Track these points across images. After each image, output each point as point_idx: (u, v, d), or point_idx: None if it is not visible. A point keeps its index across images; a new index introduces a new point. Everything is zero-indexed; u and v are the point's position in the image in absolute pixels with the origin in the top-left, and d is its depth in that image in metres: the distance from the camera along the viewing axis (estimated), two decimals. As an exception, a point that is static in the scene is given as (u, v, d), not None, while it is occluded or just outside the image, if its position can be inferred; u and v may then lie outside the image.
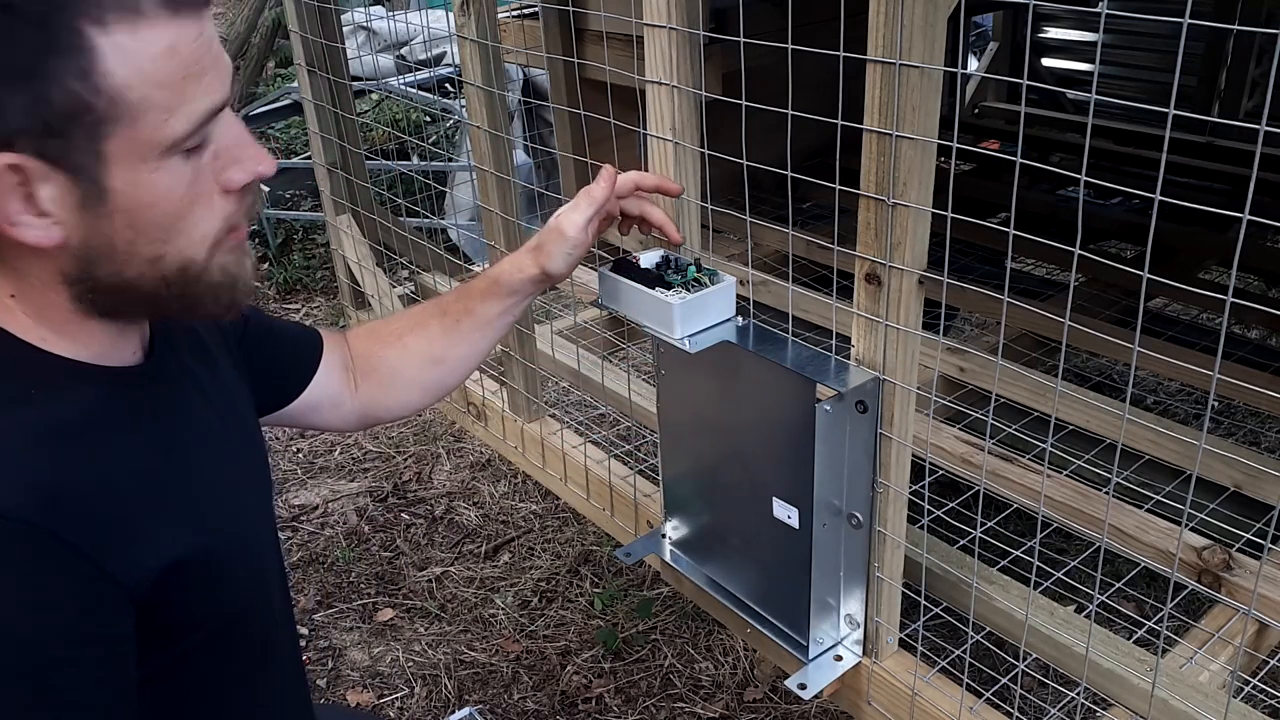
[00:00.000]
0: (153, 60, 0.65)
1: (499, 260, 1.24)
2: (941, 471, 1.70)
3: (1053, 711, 1.73)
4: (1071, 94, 4.11)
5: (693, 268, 1.31)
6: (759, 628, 1.41)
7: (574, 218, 1.17)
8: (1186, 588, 1.45)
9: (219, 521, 0.85)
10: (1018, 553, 1.43)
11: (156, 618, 0.77)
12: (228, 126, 0.73)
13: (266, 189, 4.79)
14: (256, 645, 0.94)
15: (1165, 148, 0.97)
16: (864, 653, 1.35)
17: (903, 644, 1.37)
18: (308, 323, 4.31)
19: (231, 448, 0.94)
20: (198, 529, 0.81)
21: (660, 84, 1.35)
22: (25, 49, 0.62)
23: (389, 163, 4.07)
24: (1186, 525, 1.40)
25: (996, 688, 1.36)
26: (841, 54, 1.06)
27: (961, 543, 1.43)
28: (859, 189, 1.10)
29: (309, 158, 3.91)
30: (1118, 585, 1.54)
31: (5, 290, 0.75)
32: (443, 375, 1.21)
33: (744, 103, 1.19)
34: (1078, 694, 1.37)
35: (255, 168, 0.75)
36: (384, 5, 6.81)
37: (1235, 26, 0.95)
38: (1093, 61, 4.21)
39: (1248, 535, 1.50)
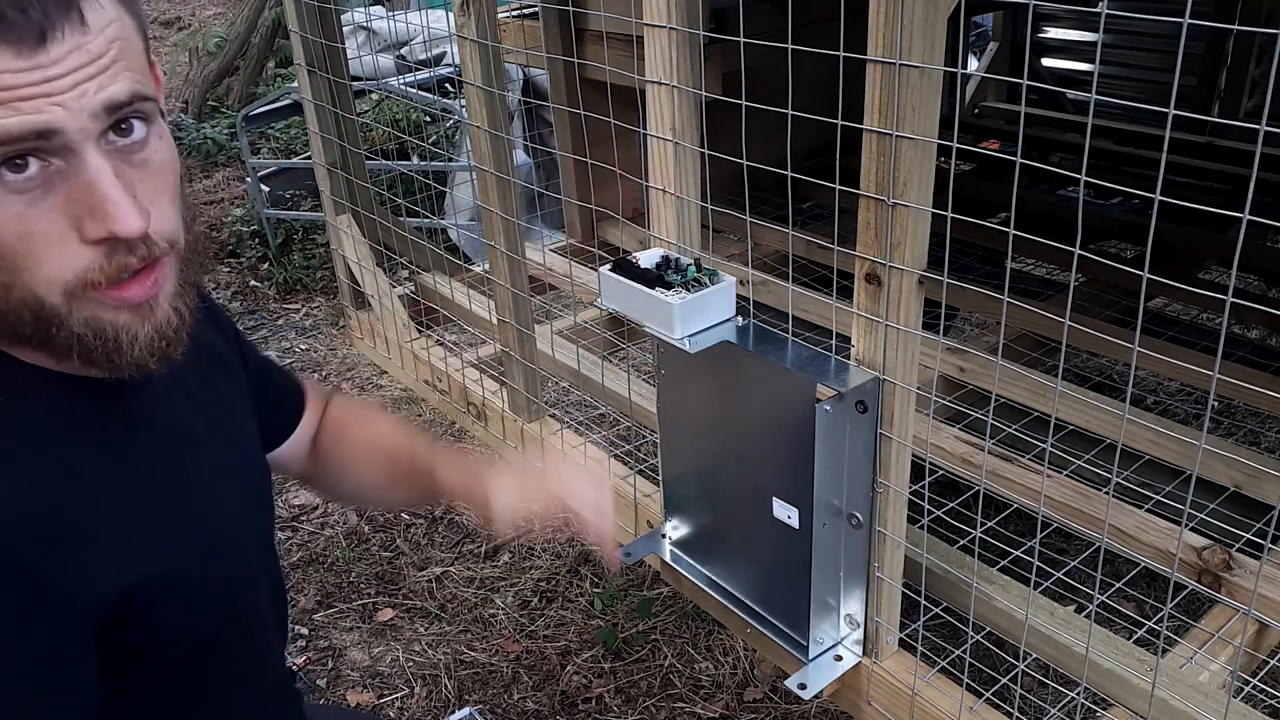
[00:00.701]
0: None
1: (463, 466, 1.11)
2: (941, 471, 1.70)
3: (1053, 711, 1.73)
4: (1071, 94, 4.11)
5: (693, 268, 1.31)
6: (759, 628, 1.41)
7: (503, 507, 1.05)
8: (1186, 588, 1.46)
9: (199, 535, 0.83)
10: (1018, 553, 1.43)
11: (128, 631, 0.76)
12: (94, 173, 0.67)
13: (266, 189, 4.79)
14: (244, 655, 0.93)
15: (1165, 148, 0.97)
16: (864, 653, 1.35)
17: (903, 644, 1.37)
18: (307, 323, 4.33)
19: (227, 455, 0.92)
20: (171, 544, 0.80)
21: (660, 84, 1.35)
22: None
23: (389, 163, 4.07)
24: (1186, 525, 1.40)
25: (996, 688, 1.36)
26: (841, 54, 1.06)
27: (961, 543, 1.43)
28: (859, 189, 1.10)
29: (309, 158, 3.91)
30: (1118, 585, 1.54)
31: None
32: (372, 500, 1.22)
33: (744, 103, 1.19)
34: (1078, 694, 1.37)
35: (109, 225, 0.67)
36: (384, 5, 6.81)
37: (1235, 26, 0.95)
38: (1093, 61, 4.21)
39: (1248, 535, 1.50)
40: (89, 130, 0.66)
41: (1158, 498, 1.61)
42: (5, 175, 0.65)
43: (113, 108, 0.67)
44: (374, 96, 5.24)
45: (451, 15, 1.70)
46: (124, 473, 0.79)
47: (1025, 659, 1.30)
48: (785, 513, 1.29)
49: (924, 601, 1.31)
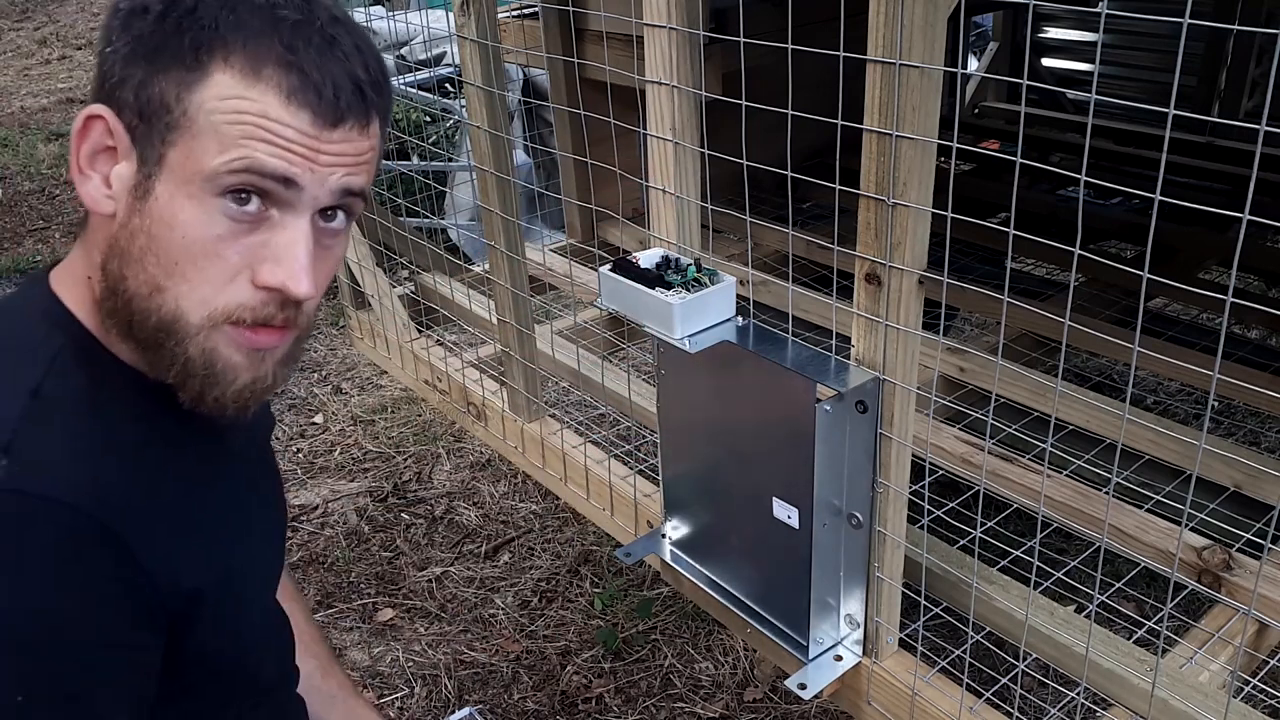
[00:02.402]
0: (239, 110, 0.71)
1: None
2: (941, 471, 1.70)
3: (1053, 711, 1.73)
4: (1071, 94, 4.11)
5: (693, 268, 1.31)
6: (759, 628, 1.41)
7: None
8: (1186, 588, 1.46)
9: (244, 554, 0.88)
10: (1018, 553, 1.43)
11: (180, 640, 0.79)
12: (295, 233, 0.75)
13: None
14: (251, 684, 0.94)
15: (1165, 148, 0.97)
16: (864, 653, 1.35)
17: (903, 644, 1.37)
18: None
19: (268, 484, 0.99)
20: (226, 558, 0.84)
21: (660, 84, 1.35)
22: (164, 40, 0.72)
23: (389, 163, 4.07)
24: (1186, 525, 1.40)
25: (996, 688, 1.36)
26: (841, 54, 1.06)
27: (961, 543, 1.43)
28: (859, 189, 1.10)
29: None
30: (1118, 585, 1.54)
31: (84, 271, 0.79)
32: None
33: (744, 103, 1.19)
34: (1078, 694, 1.37)
35: (283, 277, 0.75)
36: (384, 5, 6.81)
37: (1235, 26, 0.95)
38: (1093, 61, 4.21)
39: (1248, 535, 1.50)
40: (319, 200, 0.76)
41: (1158, 498, 1.61)
42: (229, 202, 0.73)
43: (346, 192, 0.78)
44: (374, 96, 5.23)
45: (451, 15, 1.70)
46: (199, 483, 0.84)
47: (1025, 659, 1.30)
48: (785, 513, 1.29)
49: (924, 601, 1.31)
